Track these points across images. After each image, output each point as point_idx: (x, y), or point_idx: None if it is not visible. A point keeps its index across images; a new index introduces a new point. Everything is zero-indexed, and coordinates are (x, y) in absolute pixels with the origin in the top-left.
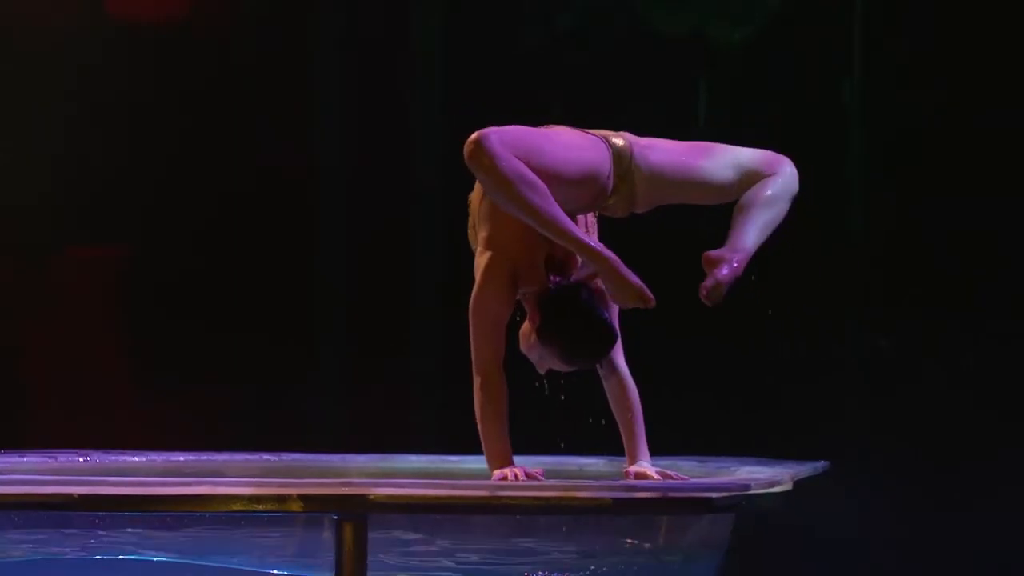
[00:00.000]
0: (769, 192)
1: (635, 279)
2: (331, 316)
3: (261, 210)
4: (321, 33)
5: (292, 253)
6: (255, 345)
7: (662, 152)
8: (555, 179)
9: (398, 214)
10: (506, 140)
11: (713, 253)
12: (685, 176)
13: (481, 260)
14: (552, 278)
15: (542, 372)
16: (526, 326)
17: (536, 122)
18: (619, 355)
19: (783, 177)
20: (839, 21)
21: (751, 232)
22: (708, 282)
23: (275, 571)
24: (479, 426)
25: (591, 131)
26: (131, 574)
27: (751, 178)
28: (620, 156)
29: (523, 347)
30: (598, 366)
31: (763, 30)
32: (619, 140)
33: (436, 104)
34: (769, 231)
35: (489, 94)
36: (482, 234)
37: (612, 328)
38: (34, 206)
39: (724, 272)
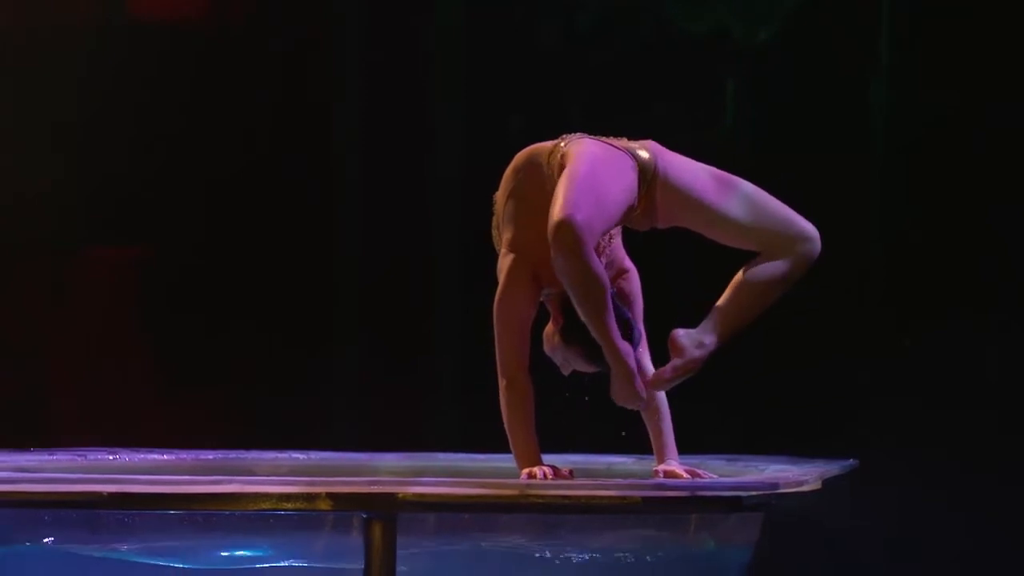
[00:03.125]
0: (776, 276)
1: (640, 388)
2: (356, 314)
3: (283, 210)
4: (341, 33)
5: (314, 252)
6: (282, 344)
7: (684, 172)
8: (612, 221)
9: (419, 211)
10: (589, 220)
11: (680, 337)
12: (700, 202)
13: (504, 262)
14: None
15: (566, 373)
16: (549, 328)
17: (556, 123)
18: (645, 356)
19: (798, 259)
20: (864, 19)
21: (731, 320)
22: (663, 373)
23: (298, 562)
24: (507, 427)
25: (616, 143)
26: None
27: (769, 236)
28: (644, 170)
29: (547, 349)
30: None
31: (788, 28)
32: (644, 153)
33: (456, 103)
34: (754, 318)
35: (509, 92)
36: (506, 236)
37: (634, 329)
38: (57, 206)
39: (676, 366)
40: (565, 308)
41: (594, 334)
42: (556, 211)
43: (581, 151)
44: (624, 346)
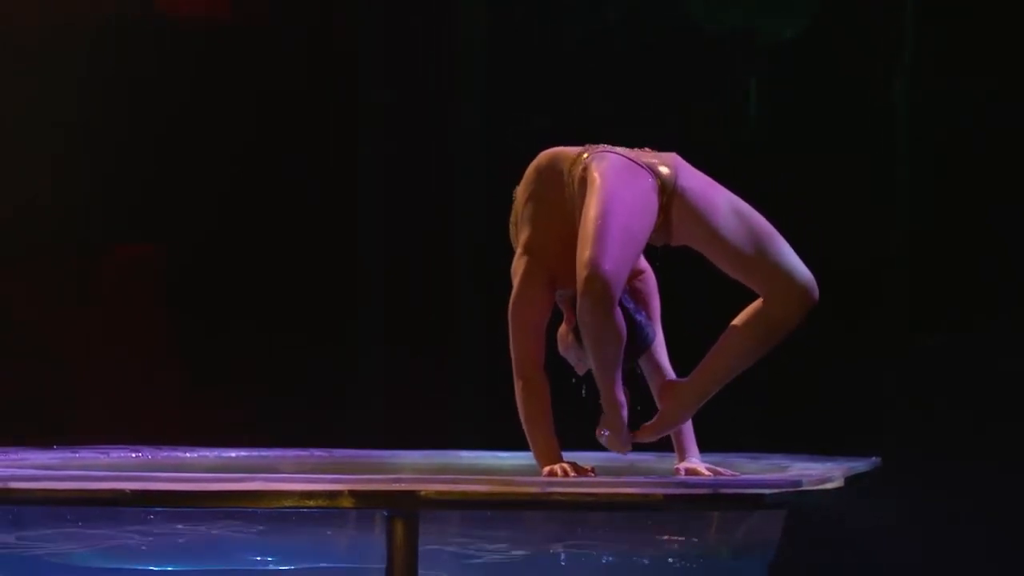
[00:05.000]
0: (769, 325)
1: (627, 440)
2: (381, 312)
3: (308, 208)
4: (365, 32)
5: (337, 250)
6: (306, 341)
7: (702, 194)
8: (638, 256)
9: (442, 209)
10: (619, 269)
11: (669, 388)
12: (712, 227)
13: (519, 265)
14: None
15: (581, 373)
16: (563, 328)
17: (578, 120)
18: (663, 355)
19: (792, 308)
20: (886, 15)
21: (721, 372)
22: (649, 428)
23: (324, 564)
24: (525, 427)
25: (638, 158)
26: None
27: (769, 276)
28: (664, 186)
29: (561, 349)
30: (641, 367)
31: (814, 24)
32: (665, 169)
33: (480, 100)
34: (744, 368)
35: (532, 89)
36: (522, 236)
37: (645, 329)
38: (81, 205)
39: (662, 421)
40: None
41: (597, 381)
42: (586, 257)
43: (605, 172)
44: (621, 398)
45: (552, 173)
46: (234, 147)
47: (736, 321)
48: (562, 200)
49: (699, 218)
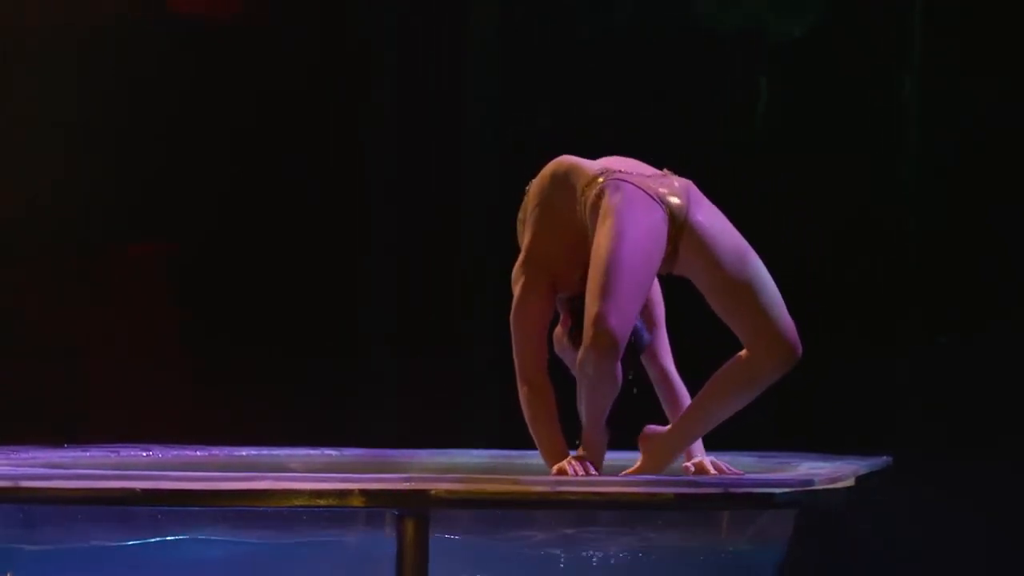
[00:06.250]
0: (748, 379)
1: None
2: (393, 310)
3: (318, 208)
4: (375, 29)
5: (348, 249)
6: (316, 340)
7: (709, 230)
8: (645, 299)
9: (452, 208)
10: (626, 322)
11: (647, 438)
12: (713, 265)
13: (519, 274)
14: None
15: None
16: (559, 330)
17: (582, 127)
18: (667, 359)
19: (772, 363)
20: (896, 15)
21: (699, 424)
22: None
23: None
24: (531, 428)
25: (651, 188)
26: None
27: (755, 323)
28: (674, 217)
29: (557, 350)
30: (647, 371)
31: (824, 23)
32: (675, 199)
33: (490, 100)
34: (722, 421)
35: (538, 89)
36: (526, 238)
37: (640, 332)
38: (92, 204)
39: (639, 469)
40: (575, 312)
41: (581, 417)
42: (595, 314)
43: (619, 209)
44: (602, 438)
45: (566, 185)
46: (236, 146)
47: (719, 373)
48: (571, 214)
49: (703, 256)
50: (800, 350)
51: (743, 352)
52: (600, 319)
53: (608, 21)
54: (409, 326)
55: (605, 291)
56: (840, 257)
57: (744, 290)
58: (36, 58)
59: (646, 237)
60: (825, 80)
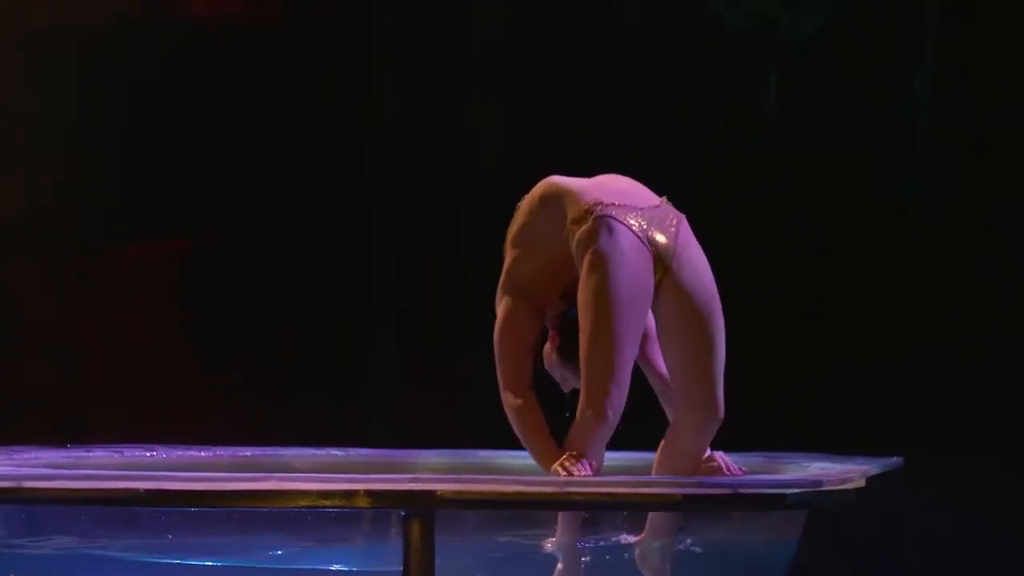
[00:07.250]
0: (681, 446)
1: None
2: (395, 311)
3: (321, 208)
4: (375, 29)
5: (352, 249)
6: (321, 340)
7: (691, 278)
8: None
9: (454, 211)
10: (619, 402)
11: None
12: (688, 312)
13: (501, 295)
14: (572, 304)
15: (566, 391)
16: (548, 347)
17: (583, 126)
18: (663, 366)
19: (697, 426)
20: (896, 15)
21: None
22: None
23: (337, 566)
24: (522, 439)
25: (642, 230)
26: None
27: (693, 380)
28: (660, 259)
29: (547, 365)
30: (643, 370)
31: (834, 20)
32: (662, 238)
33: (490, 100)
34: None
35: (550, 89)
36: (510, 256)
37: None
38: (92, 204)
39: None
40: (563, 329)
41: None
42: (593, 396)
43: (612, 263)
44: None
45: (556, 210)
46: (236, 146)
47: (658, 454)
48: (557, 239)
49: (677, 303)
50: (722, 417)
51: (669, 432)
52: (597, 404)
53: (610, 21)
54: (409, 326)
55: (606, 368)
56: (840, 257)
57: (702, 350)
58: (36, 58)
59: (641, 293)
60: (825, 80)
